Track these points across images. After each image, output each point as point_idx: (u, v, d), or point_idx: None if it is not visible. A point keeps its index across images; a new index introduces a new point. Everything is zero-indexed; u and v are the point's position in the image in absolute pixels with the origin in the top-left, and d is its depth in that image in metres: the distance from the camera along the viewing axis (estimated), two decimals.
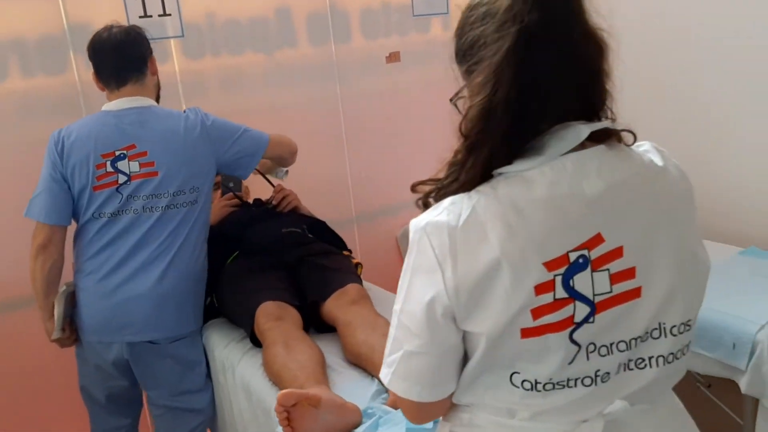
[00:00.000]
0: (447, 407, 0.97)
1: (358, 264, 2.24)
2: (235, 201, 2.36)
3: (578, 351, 0.86)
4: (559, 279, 0.84)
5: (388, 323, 1.62)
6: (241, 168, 2.05)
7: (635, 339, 0.88)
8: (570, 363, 0.87)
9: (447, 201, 0.88)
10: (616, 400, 0.90)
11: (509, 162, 0.87)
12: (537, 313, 0.84)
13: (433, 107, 2.69)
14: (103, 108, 1.95)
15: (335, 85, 2.84)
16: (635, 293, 0.86)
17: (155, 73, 2.02)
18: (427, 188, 0.93)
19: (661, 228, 0.88)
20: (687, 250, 0.90)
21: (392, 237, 3.10)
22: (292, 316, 1.87)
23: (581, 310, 0.85)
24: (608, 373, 0.89)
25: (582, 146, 0.87)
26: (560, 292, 0.84)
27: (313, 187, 2.63)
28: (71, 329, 1.98)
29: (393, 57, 2.92)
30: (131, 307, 1.87)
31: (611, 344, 0.87)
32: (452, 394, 0.94)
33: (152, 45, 2.00)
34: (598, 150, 0.88)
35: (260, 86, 2.73)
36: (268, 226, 2.25)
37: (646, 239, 0.87)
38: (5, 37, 2.21)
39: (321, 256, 2.13)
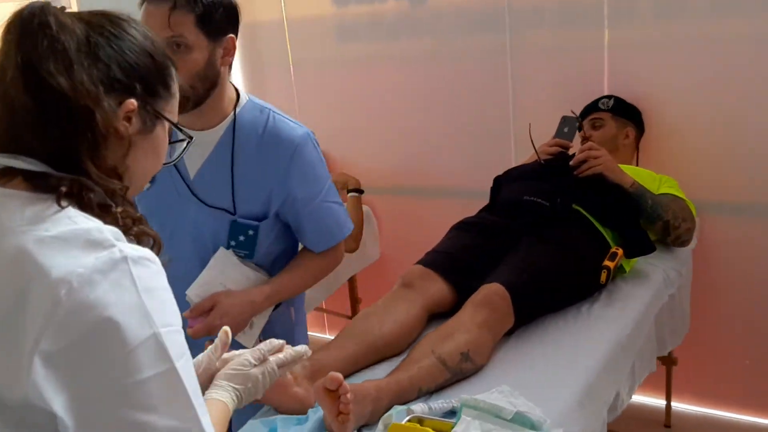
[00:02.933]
0: None
1: (604, 269, 1.74)
2: (554, 150, 2.10)
3: None
4: None
5: (472, 340, 1.50)
6: None
7: None
8: None
9: None
10: None
11: None
12: None
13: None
14: None
15: None
16: None
17: None
18: None
19: None
20: None
21: None
22: (430, 289, 1.70)
23: None
24: None
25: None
26: None
27: None
28: None
29: None
30: None
31: None
32: None
33: None
34: None
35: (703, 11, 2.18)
36: (524, 187, 1.98)
37: None
38: None
39: (537, 241, 1.79)
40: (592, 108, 2.32)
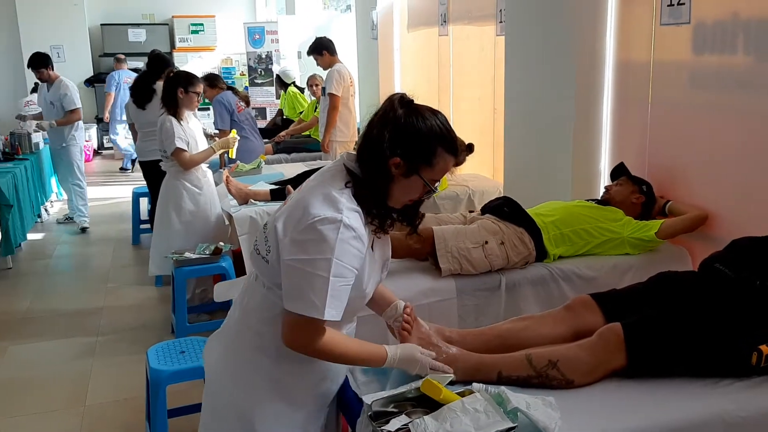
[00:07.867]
0: None
1: (755, 350, 1.70)
2: None
3: None
4: None
5: (565, 354, 1.80)
6: None
7: None
8: None
9: None
10: None
11: None
12: None
13: None
14: None
15: None
16: None
17: None
18: None
19: None
20: None
21: None
22: (586, 318, 1.92)
23: None
24: None
25: None
26: None
27: None
28: None
29: None
30: None
31: None
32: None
33: None
34: None
35: None
36: (726, 255, 2.05)
37: None
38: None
39: (697, 304, 1.87)
40: None
